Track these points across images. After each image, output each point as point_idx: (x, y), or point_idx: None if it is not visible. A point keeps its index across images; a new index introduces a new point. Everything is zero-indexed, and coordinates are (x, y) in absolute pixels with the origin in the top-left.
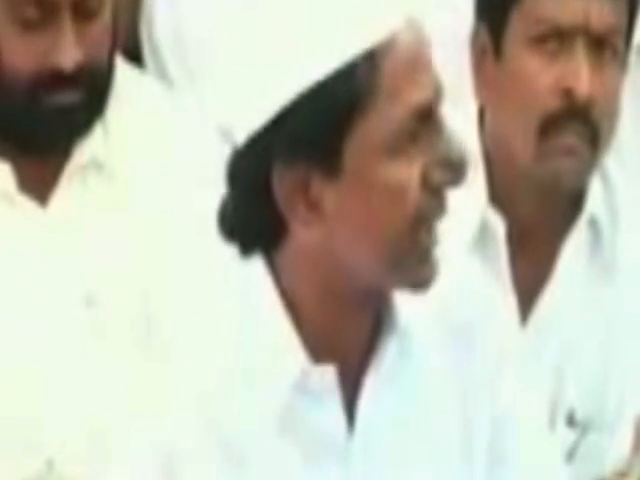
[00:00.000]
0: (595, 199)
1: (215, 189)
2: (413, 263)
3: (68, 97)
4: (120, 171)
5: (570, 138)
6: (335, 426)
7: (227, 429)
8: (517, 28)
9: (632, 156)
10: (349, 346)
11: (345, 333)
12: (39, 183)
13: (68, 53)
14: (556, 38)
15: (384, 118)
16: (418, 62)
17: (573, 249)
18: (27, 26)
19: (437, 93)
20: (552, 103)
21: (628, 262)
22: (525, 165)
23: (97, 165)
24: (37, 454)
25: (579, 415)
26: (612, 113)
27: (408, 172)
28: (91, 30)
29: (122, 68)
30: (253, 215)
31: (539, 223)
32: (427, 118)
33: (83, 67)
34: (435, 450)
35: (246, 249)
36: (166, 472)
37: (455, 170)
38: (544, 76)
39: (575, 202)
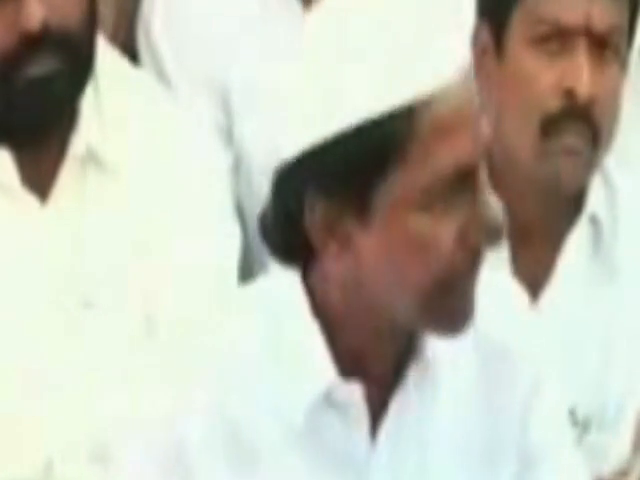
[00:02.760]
0: (596, 199)
1: (214, 187)
2: (445, 314)
3: (43, 67)
4: (119, 167)
5: (571, 138)
6: (358, 443)
7: (244, 434)
8: (519, 28)
9: (636, 157)
10: (378, 367)
11: (375, 355)
12: (38, 177)
13: (31, 13)
14: (558, 38)
15: (419, 173)
16: (460, 121)
17: (574, 248)
18: None
19: (479, 152)
20: (553, 103)
21: (629, 262)
22: (526, 165)
23: (96, 160)
24: (37, 454)
25: (580, 414)
26: (613, 113)
27: (441, 229)
28: None
29: (120, 63)
30: (287, 233)
31: (540, 222)
32: (465, 179)
33: (52, 28)
34: (455, 475)
35: (283, 261)
36: (172, 474)
37: (491, 232)
38: (545, 76)
39: (576, 201)
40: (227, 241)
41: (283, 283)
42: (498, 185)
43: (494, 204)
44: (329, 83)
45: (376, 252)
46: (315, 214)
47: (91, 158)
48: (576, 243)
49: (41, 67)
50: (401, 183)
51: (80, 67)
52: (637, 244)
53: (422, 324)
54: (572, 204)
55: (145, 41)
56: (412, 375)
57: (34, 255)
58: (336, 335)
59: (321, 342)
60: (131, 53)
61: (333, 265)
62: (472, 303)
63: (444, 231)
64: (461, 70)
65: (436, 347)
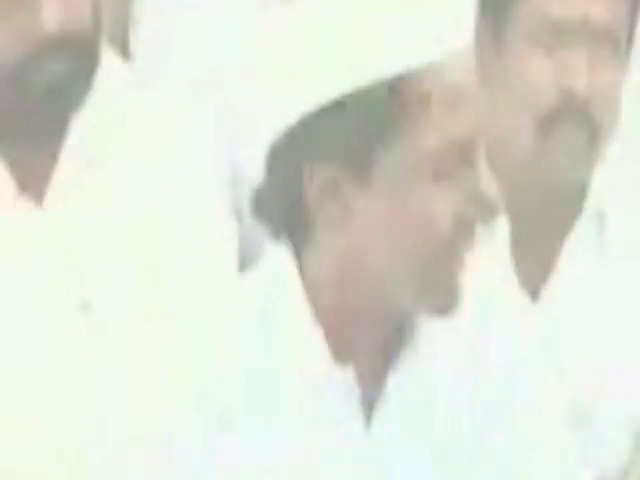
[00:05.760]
0: (600, 195)
1: (212, 189)
2: (435, 289)
3: (58, 68)
4: (115, 168)
5: (570, 135)
6: (352, 424)
7: (238, 421)
8: (518, 23)
9: None
10: (370, 348)
11: (366, 335)
12: (33, 180)
13: (49, 15)
14: (556, 34)
15: (422, 141)
16: (465, 94)
17: (576, 245)
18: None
19: (478, 129)
20: (551, 100)
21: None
22: (525, 162)
23: (91, 161)
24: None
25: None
26: (613, 108)
27: (440, 203)
28: None
29: (116, 63)
30: (283, 206)
31: (542, 219)
32: (465, 153)
33: (67, 30)
34: (445, 456)
35: (275, 234)
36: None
37: (486, 210)
38: (543, 72)
39: (578, 197)
40: (224, 242)
41: (277, 268)
42: (498, 182)
43: (490, 182)
44: (332, 46)
45: (375, 219)
46: (314, 180)
47: (86, 160)
48: (578, 239)
49: (56, 67)
50: (403, 150)
51: (90, 68)
52: None
53: (411, 299)
54: (574, 201)
55: (138, 42)
56: (404, 356)
57: (30, 258)
58: (328, 319)
59: (313, 326)
60: (127, 53)
61: (331, 235)
62: (460, 281)
63: (443, 205)
64: (465, 47)
65: (428, 327)
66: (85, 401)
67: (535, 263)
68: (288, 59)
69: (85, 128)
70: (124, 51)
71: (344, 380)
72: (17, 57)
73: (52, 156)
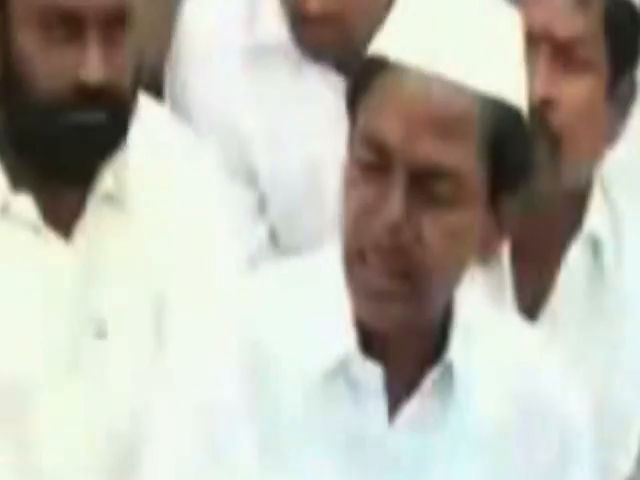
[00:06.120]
0: (599, 221)
1: (232, 230)
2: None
3: (91, 117)
4: (138, 206)
5: None
6: (372, 420)
7: (269, 391)
8: None
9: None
10: (403, 359)
11: (398, 345)
12: (62, 215)
13: (94, 69)
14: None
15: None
16: None
17: (573, 267)
18: (54, 43)
19: None
20: None
21: (635, 289)
22: None
23: (119, 201)
24: None
25: None
26: (580, 120)
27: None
28: (115, 52)
29: (143, 100)
30: None
31: (539, 238)
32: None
33: (106, 87)
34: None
35: None
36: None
37: None
38: None
39: (577, 220)
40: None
41: (324, 260)
42: None
43: None
44: None
45: None
46: None
47: (113, 197)
48: (575, 262)
49: (88, 116)
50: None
51: (124, 121)
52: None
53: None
54: (573, 222)
55: (171, 82)
56: (430, 376)
57: (52, 287)
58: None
59: (350, 319)
60: (153, 89)
61: None
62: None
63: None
64: None
65: (464, 358)
66: (97, 429)
67: (534, 284)
68: None
69: (115, 167)
70: (150, 86)
71: (367, 374)
72: (56, 99)
73: (83, 193)
